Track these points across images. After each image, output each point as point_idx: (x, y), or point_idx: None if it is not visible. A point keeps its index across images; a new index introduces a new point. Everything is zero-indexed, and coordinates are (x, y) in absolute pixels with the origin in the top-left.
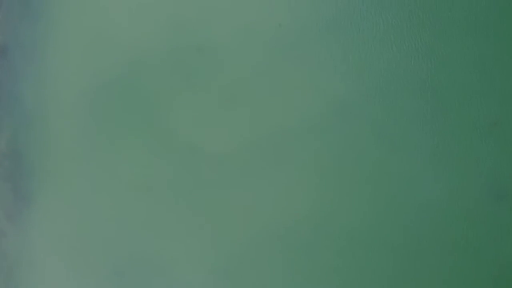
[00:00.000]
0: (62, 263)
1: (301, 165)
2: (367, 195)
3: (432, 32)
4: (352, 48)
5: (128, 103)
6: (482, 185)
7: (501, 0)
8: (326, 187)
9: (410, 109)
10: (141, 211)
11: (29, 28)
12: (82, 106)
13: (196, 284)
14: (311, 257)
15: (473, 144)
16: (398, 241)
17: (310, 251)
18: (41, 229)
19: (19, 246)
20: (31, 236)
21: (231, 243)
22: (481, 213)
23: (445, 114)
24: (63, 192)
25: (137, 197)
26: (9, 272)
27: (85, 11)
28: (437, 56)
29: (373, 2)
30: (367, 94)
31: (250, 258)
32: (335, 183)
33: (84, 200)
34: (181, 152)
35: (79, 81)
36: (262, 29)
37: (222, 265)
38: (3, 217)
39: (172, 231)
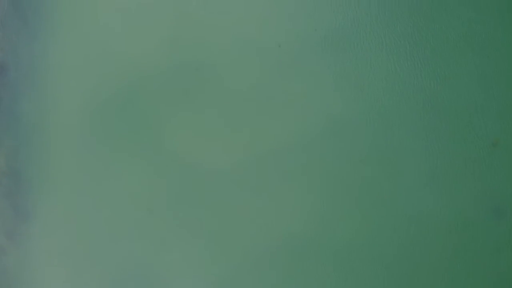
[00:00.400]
0: (62, 279)
1: (298, 181)
2: (362, 213)
3: (435, 52)
4: (352, 67)
5: (127, 120)
6: (481, 204)
7: (502, 22)
8: (323, 203)
9: (411, 129)
10: (140, 226)
11: (28, 46)
12: (81, 123)
13: None
14: (305, 271)
15: (473, 164)
16: (392, 257)
17: (304, 266)
18: (41, 246)
19: (18, 262)
20: (31, 253)
21: (228, 258)
22: (480, 230)
23: (447, 134)
24: (62, 209)
25: (136, 213)
26: None
27: (84, 29)
28: (440, 76)
29: (375, 20)
30: (367, 113)
31: (249, 272)
32: (332, 199)
33: (83, 217)
34: (179, 168)
35: (78, 99)
36: (261, 50)
37: (220, 280)
38: (3, 234)
39: (169, 245)
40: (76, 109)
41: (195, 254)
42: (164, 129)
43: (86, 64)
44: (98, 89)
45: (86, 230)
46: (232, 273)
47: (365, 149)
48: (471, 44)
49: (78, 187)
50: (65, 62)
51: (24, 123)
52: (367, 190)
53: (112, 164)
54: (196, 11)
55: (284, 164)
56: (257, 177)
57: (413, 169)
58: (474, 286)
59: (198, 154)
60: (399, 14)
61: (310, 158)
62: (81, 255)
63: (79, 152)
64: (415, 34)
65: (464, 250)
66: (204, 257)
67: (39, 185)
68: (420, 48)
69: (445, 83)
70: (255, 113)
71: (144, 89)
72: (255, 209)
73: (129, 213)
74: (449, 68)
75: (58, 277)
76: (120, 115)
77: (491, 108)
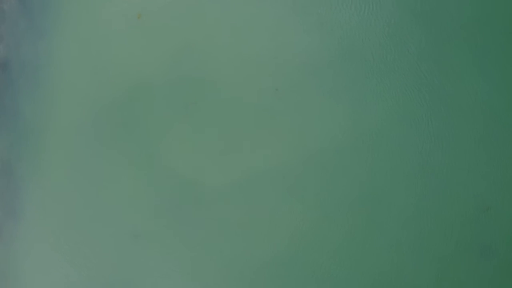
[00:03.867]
0: (45, 280)
1: (288, 204)
2: (347, 255)
3: (437, 113)
4: (349, 115)
5: (125, 130)
6: (472, 267)
7: (501, 87)
8: (310, 228)
9: (402, 186)
10: (131, 242)
11: (33, 44)
12: (78, 127)
13: None
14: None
15: (464, 227)
16: None
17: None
18: (27, 246)
19: (4, 260)
20: (17, 252)
21: (218, 279)
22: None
23: (439, 195)
24: (51, 211)
25: (128, 227)
26: None
27: (90, 31)
28: (439, 137)
29: (377, 74)
30: (359, 163)
31: None
32: (319, 225)
33: (72, 221)
34: (173, 184)
35: (78, 102)
36: (259, 93)
37: None
38: None
39: (155, 267)
40: (75, 112)
41: (179, 272)
42: (161, 143)
43: (89, 67)
44: (99, 93)
45: (74, 235)
46: None
47: (353, 201)
48: (472, 110)
49: (69, 192)
50: (68, 63)
51: (21, 121)
52: (351, 245)
53: (106, 174)
54: (199, 35)
55: (276, 188)
56: (251, 198)
57: (400, 228)
58: None
59: (192, 172)
60: (406, 69)
61: (301, 183)
62: (66, 259)
63: (74, 157)
64: (420, 93)
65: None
66: (188, 275)
67: (30, 184)
68: (423, 108)
69: (443, 145)
70: (251, 138)
71: (145, 98)
72: (245, 233)
73: (118, 225)
74: (448, 130)
75: (42, 278)
76: (118, 123)
77: (487, 173)
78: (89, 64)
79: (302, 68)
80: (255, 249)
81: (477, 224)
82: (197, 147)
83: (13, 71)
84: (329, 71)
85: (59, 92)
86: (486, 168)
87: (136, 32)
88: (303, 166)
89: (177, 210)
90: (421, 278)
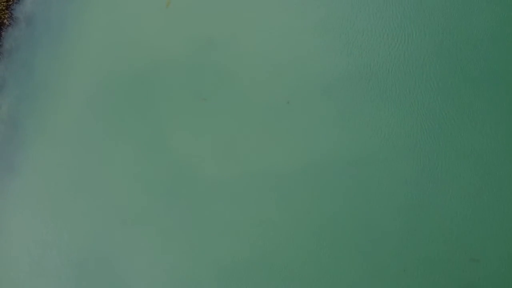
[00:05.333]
0: (26, 239)
1: (275, 207)
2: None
3: (444, 158)
4: (353, 136)
5: (132, 109)
6: None
7: (503, 148)
8: (292, 230)
9: (394, 220)
10: (118, 229)
11: (61, 4)
12: (89, 96)
13: None
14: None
15: (449, 270)
16: None
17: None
18: (16, 200)
19: None
20: (7, 206)
21: (196, 268)
22: None
23: (430, 236)
24: (49, 175)
25: (118, 207)
26: None
27: (118, 10)
28: (441, 181)
29: (392, 102)
30: (352, 187)
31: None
32: (301, 227)
33: (66, 188)
34: (172, 171)
35: (93, 71)
36: (270, 103)
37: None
38: None
39: (139, 246)
40: (89, 80)
41: (161, 256)
42: (165, 132)
43: (111, 40)
44: (115, 67)
45: (64, 202)
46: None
47: (337, 218)
48: (474, 163)
49: (69, 158)
50: (92, 31)
51: (35, 79)
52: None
53: (107, 148)
54: (224, 34)
55: (269, 191)
56: (243, 197)
57: (382, 259)
58: None
59: (190, 166)
60: (422, 106)
61: (292, 191)
62: (50, 224)
63: (79, 124)
64: (429, 132)
65: None
66: (171, 262)
67: (33, 144)
68: (430, 147)
69: (441, 188)
70: (252, 144)
71: (158, 83)
72: (232, 230)
73: (109, 203)
74: (448, 176)
75: (22, 235)
76: (128, 101)
77: (480, 226)
78: (112, 38)
79: (317, 86)
80: (240, 247)
81: (462, 271)
82: (198, 143)
83: (37, 27)
84: (343, 93)
85: (78, 57)
86: (479, 220)
87: (163, 18)
88: (297, 176)
89: (170, 199)
90: None
